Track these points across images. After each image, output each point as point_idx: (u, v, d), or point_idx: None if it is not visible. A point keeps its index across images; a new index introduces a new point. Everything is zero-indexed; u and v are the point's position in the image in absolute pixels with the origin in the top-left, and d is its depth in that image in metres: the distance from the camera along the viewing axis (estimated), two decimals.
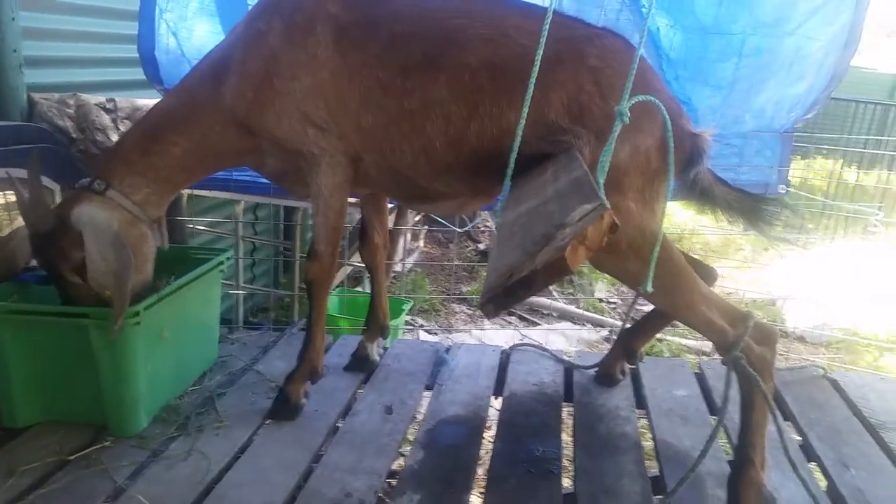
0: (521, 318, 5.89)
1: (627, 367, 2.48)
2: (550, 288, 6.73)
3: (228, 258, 2.43)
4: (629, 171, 1.73)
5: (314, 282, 2.09)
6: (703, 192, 1.86)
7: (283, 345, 2.68)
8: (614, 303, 6.70)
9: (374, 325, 2.48)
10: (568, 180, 1.46)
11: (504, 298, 1.20)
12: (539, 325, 5.61)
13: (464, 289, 6.55)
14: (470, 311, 6.23)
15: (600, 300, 6.67)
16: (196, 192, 3.26)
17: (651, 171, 1.74)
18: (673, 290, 1.74)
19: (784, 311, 6.09)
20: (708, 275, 2.11)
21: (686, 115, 1.89)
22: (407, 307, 5.46)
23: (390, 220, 3.33)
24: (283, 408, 2.14)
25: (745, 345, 1.71)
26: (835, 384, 2.50)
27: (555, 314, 5.89)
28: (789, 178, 3.19)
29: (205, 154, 2.07)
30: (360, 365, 2.48)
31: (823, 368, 2.58)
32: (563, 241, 1.14)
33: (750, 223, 1.91)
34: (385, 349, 2.66)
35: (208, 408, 2.18)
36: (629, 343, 2.41)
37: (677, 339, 5.27)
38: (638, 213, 1.72)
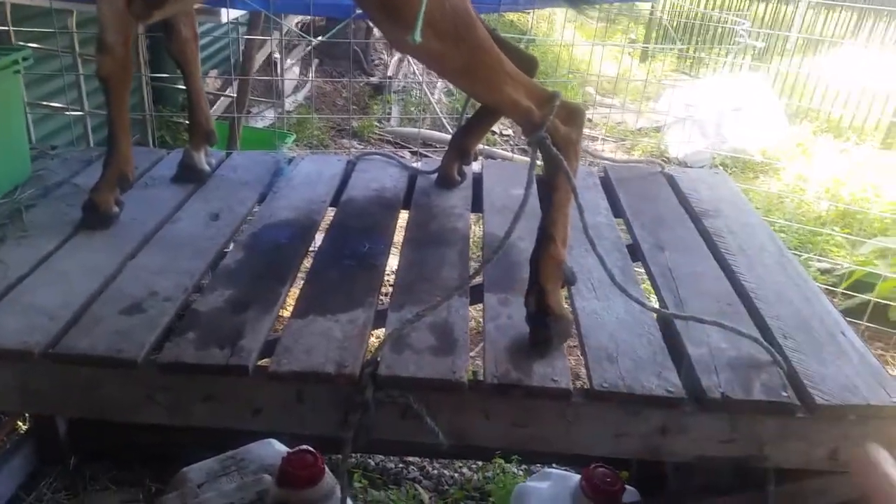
0: (413, 153, 5.81)
1: (465, 169, 2.45)
2: (445, 122, 6.61)
3: (26, 57, 2.19)
4: None
5: (109, 78, 1.93)
6: None
7: None
8: (507, 135, 6.67)
9: (198, 130, 2.33)
10: None
11: None
12: (431, 158, 5.55)
13: (354, 124, 6.35)
14: (361, 146, 6.08)
15: (493, 133, 6.62)
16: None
17: None
18: (475, 68, 1.64)
19: (667, 137, 6.22)
20: (527, 63, 2.03)
21: None
22: (290, 140, 5.25)
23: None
24: (92, 217, 2.02)
25: (551, 125, 1.67)
26: (670, 179, 2.56)
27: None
28: None
29: None
30: (189, 175, 2.34)
31: (662, 165, 2.62)
32: None
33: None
34: (222, 161, 2.53)
35: (14, 219, 2.05)
36: (461, 143, 2.37)
37: None
38: None
